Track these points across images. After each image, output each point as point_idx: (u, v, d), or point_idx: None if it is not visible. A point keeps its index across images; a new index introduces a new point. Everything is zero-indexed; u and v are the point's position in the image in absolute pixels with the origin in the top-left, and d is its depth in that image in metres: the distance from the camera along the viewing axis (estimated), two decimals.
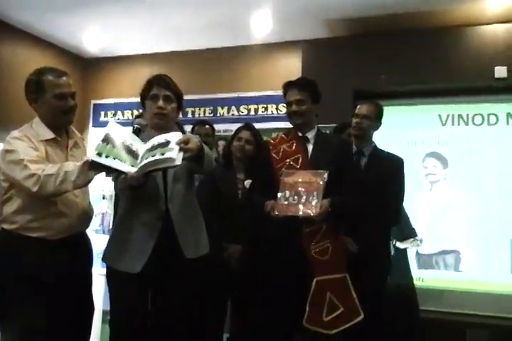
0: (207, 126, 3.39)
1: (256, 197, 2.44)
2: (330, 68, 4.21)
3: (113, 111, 5.27)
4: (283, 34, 4.46)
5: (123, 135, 2.04)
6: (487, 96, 4.05)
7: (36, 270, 2.03)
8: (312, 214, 2.19)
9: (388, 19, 4.01)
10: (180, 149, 1.91)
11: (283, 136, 2.56)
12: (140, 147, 2.02)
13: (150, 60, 5.03)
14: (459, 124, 4.15)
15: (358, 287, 2.34)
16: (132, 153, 1.99)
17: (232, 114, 4.78)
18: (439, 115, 4.18)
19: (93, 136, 5.16)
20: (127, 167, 1.93)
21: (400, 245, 3.45)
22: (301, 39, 4.47)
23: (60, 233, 2.10)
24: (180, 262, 2.11)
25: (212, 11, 4.04)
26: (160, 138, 1.98)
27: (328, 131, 3.25)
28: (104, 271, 2.30)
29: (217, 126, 3.70)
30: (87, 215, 2.28)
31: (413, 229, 3.53)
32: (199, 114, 4.87)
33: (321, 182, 2.23)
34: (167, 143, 1.93)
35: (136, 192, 2.03)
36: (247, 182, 2.73)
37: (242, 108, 4.76)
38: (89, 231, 2.38)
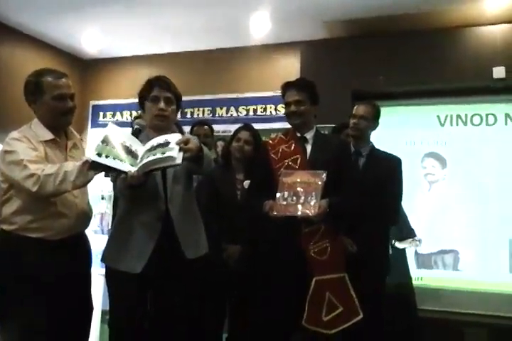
0: (206, 127, 3.39)
1: (255, 197, 2.44)
2: (328, 69, 4.22)
3: (112, 112, 5.27)
4: (281, 35, 4.46)
5: (122, 136, 2.05)
6: (485, 96, 4.05)
7: (36, 270, 2.03)
8: (311, 215, 2.19)
9: (386, 20, 4.02)
10: (180, 149, 1.92)
11: (282, 136, 2.56)
12: (139, 148, 2.03)
13: (148, 61, 5.03)
14: (457, 124, 4.15)
15: (357, 287, 2.34)
16: (132, 154, 2.00)
17: (231, 115, 4.78)
18: (438, 115, 4.19)
19: (92, 137, 5.16)
20: (127, 166, 1.94)
21: (398, 245, 3.45)
22: (300, 40, 4.47)
23: (59, 233, 2.10)
24: (180, 262, 2.11)
25: (211, 12, 4.04)
26: (159, 139, 1.99)
27: (326, 132, 3.25)
28: (103, 271, 2.30)
29: (216, 127, 3.70)
30: (86, 215, 2.28)
31: (412, 229, 3.53)
32: (198, 115, 4.88)
33: (320, 183, 2.24)
34: (167, 143, 1.95)
35: (136, 193, 2.04)
36: (246, 183, 2.74)
37: (240, 108, 4.77)
38: (88, 232, 2.38)
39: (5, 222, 2.10)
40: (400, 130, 4.22)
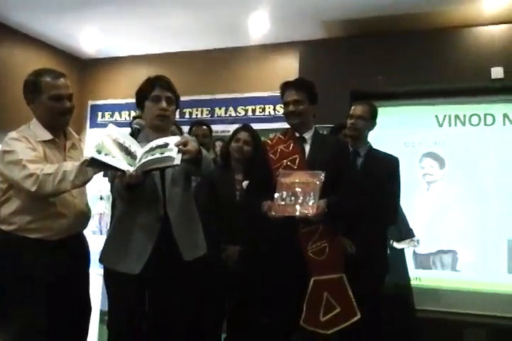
0: (204, 127, 3.39)
1: (253, 197, 2.44)
2: (327, 69, 4.22)
3: (110, 112, 5.26)
4: (280, 35, 4.46)
5: (121, 137, 2.05)
6: (484, 96, 4.06)
7: (36, 270, 2.03)
8: (309, 215, 2.19)
9: (385, 20, 4.02)
10: (179, 151, 1.92)
11: (280, 136, 2.56)
12: (138, 149, 2.03)
13: (147, 61, 5.03)
14: (455, 125, 4.16)
15: (356, 287, 2.34)
16: (131, 155, 2.00)
17: (230, 115, 4.78)
18: (436, 115, 4.19)
19: (90, 137, 5.15)
20: (126, 165, 1.94)
21: (397, 245, 3.46)
22: (298, 40, 4.48)
23: (58, 234, 2.10)
24: (178, 264, 2.11)
25: (209, 12, 4.04)
26: (158, 141, 2.00)
27: (325, 132, 3.25)
28: (101, 271, 2.30)
29: (214, 127, 3.70)
30: (85, 216, 2.28)
31: (411, 229, 3.54)
32: (196, 115, 4.87)
33: (318, 183, 2.24)
34: (166, 145, 1.95)
35: (134, 194, 2.03)
36: (245, 183, 2.74)
37: (239, 109, 4.76)
38: (87, 232, 2.37)
39: (4, 223, 2.10)
40: (398, 130, 4.23)
